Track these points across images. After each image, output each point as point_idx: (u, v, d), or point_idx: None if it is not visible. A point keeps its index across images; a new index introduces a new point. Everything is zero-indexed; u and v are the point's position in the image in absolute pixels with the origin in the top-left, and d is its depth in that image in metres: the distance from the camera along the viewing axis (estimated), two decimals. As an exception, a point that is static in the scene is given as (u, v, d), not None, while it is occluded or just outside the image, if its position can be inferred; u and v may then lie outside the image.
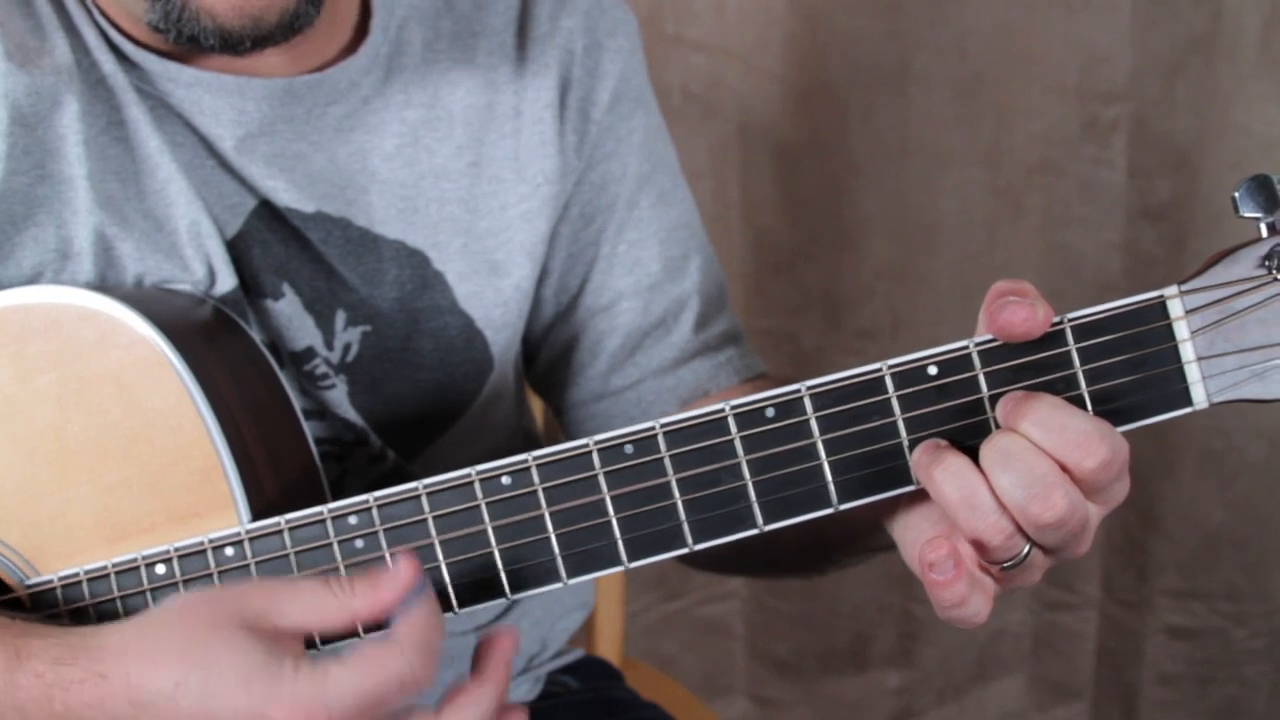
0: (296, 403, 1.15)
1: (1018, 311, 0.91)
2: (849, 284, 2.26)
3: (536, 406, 1.57)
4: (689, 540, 0.98)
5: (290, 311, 1.21)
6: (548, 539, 0.99)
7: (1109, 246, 2.23)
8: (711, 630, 2.41)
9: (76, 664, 0.93)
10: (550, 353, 1.38)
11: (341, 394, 1.24)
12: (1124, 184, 2.20)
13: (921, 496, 0.97)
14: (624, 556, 0.98)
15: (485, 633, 0.99)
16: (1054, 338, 0.93)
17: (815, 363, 2.27)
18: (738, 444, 0.96)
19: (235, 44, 1.10)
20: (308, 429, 1.15)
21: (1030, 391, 0.92)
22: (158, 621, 0.94)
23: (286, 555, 1.02)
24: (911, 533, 0.98)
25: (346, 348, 1.23)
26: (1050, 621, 2.42)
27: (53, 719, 0.93)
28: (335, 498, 1.18)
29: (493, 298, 1.28)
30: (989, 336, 0.93)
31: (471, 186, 1.27)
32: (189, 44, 1.11)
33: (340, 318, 1.23)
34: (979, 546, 0.91)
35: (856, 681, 2.46)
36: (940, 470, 0.91)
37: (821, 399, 0.95)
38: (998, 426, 0.92)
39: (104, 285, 1.14)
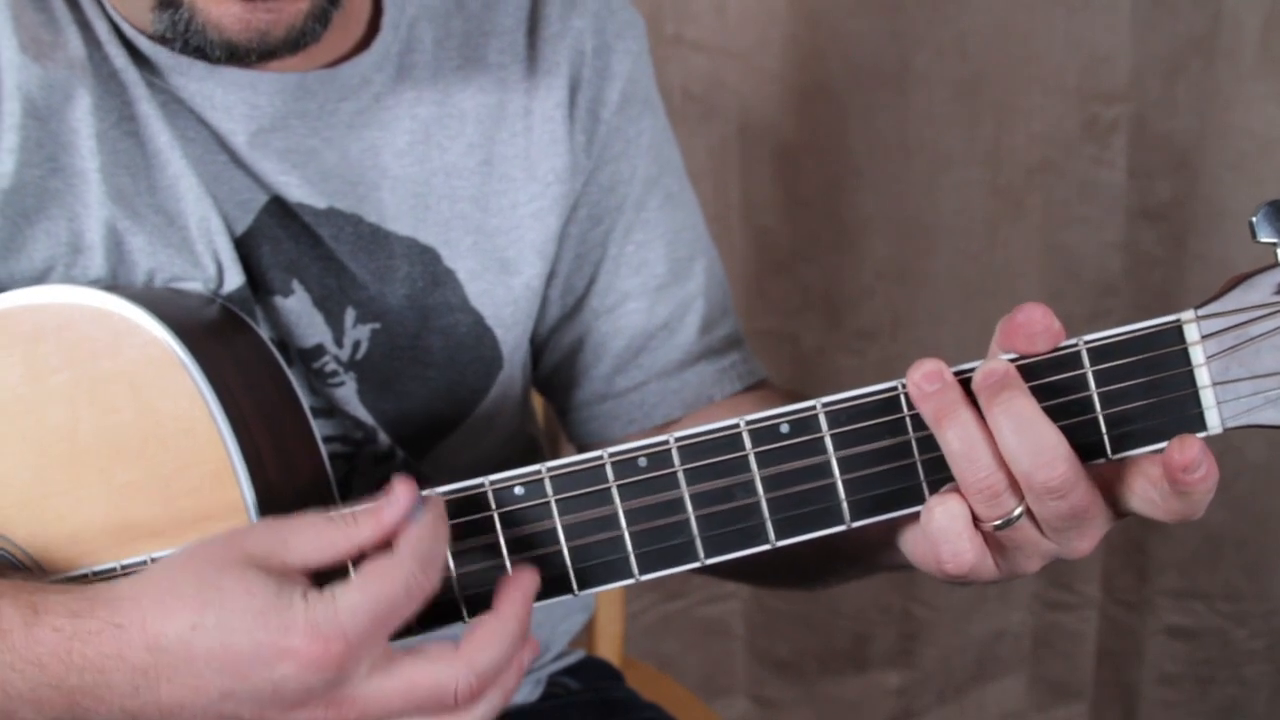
0: (306, 403, 1.15)
1: (1035, 310, 0.92)
2: (849, 284, 2.26)
3: (537, 407, 1.57)
4: (701, 554, 0.98)
5: (300, 308, 1.21)
6: (560, 551, 0.99)
7: (1109, 246, 2.23)
8: (711, 630, 2.42)
9: (94, 616, 0.93)
10: (555, 353, 1.38)
11: (350, 391, 1.24)
12: (1124, 184, 2.20)
13: None
14: (635, 569, 0.99)
15: (507, 573, 1.00)
16: (1069, 360, 0.93)
17: (815, 363, 2.27)
18: (752, 459, 0.96)
19: (241, 57, 1.10)
20: (318, 431, 1.15)
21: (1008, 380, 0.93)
22: (169, 568, 0.95)
23: (297, 560, 1.01)
24: (923, 543, 0.99)
25: (356, 345, 1.23)
26: (1050, 621, 2.43)
27: (72, 671, 0.93)
28: (343, 495, 1.18)
29: (503, 296, 1.28)
30: (1004, 356, 0.94)
31: (483, 184, 1.27)
32: (196, 54, 1.11)
33: (350, 315, 1.23)
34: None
35: (856, 681, 2.46)
36: (949, 422, 0.93)
37: (836, 416, 0.95)
38: None
39: (116, 285, 1.14)
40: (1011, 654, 2.46)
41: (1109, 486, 0.95)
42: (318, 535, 0.95)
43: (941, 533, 0.95)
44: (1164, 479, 0.91)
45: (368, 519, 0.96)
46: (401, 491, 0.95)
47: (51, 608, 0.94)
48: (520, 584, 0.98)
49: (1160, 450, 0.92)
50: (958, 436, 0.93)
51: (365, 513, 0.96)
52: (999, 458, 0.93)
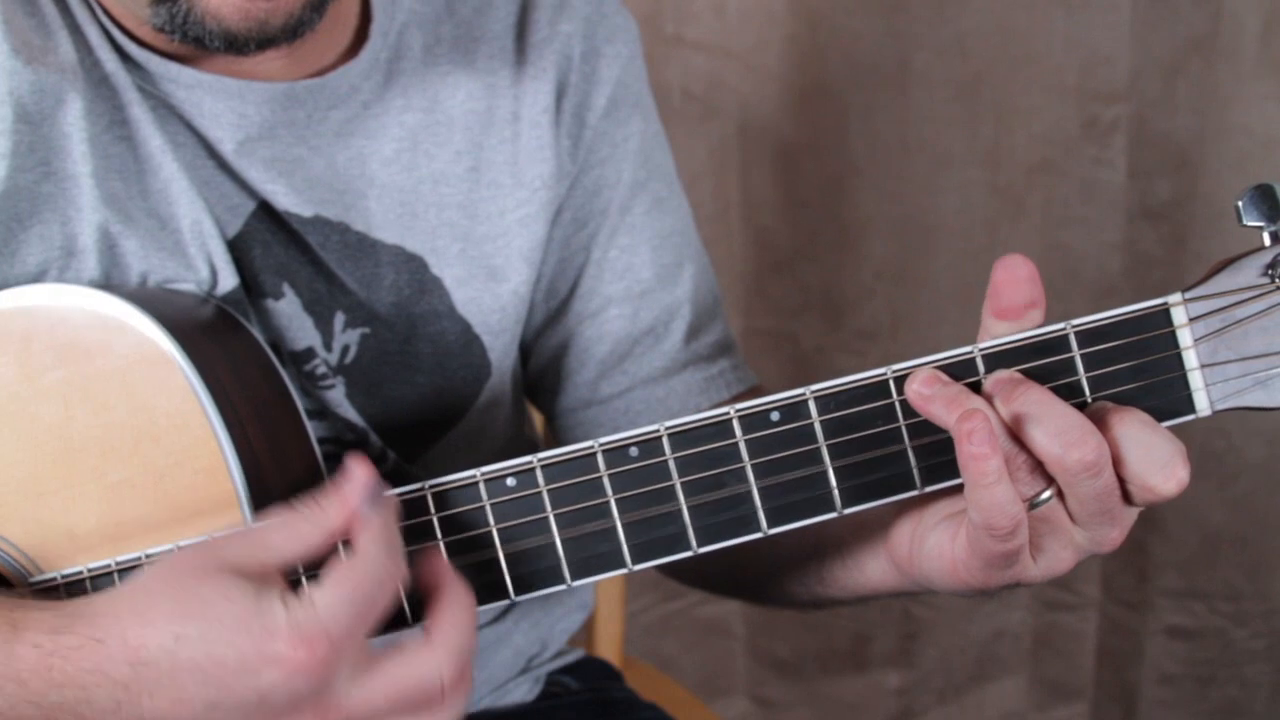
0: (299, 402, 1.15)
1: (1013, 261, 0.93)
2: (849, 284, 2.26)
3: (535, 413, 1.57)
4: (693, 543, 0.98)
5: (290, 311, 1.21)
6: (552, 541, 0.99)
7: (1109, 246, 2.23)
8: (711, 630, 2.42)
9: (73, 631, 0.92)
10: (540, 358, 1.38)
11: (340, 395, 1.24)
12: (1124, 184, 2.20)
13: (931, 507, 0.99)
14: (628, 559, 0.99)
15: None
16: (1058, 343, 0.93)
17: (815, 363, 2.27)
18: (742, 447, 0.96)
19: (240, 46, 1.10)
20: (311, 428, 1.15)
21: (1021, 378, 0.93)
22: (146, 581, 0.94)
23: (291, 554, 1.01)
24: (933, 542, 1.00)
25: (345, 349, 1.23)
26: (1050, 621, 2.43)
27: (52, 688, 0.92)
28: (338, 494, 1.18)
29: (490, 303, 1.28)
30: (992, 341, 0.94)
31: (470, 191, 1.27)
32: (194, 45, 1.11)
33: (339, 320, 1.23)
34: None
35: (856, 681, 2.46)
36: (961, 410, 0.92)
37: (826, 403, 0.95)
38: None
39: (109, 284, 1.14)
40: (1011, 654, 2.46)
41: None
42: (291, 530, 0.96)
43: (991, 501, 0.92)
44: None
45: (333, 503, 0.96)
46: (358, 469, 0.96)
47: (31, 624, 0.94)
48: (439, 561, 0.99)
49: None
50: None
51: (329, 498, 0.96)
52: (1017, 440, 0.93)
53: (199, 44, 1.10)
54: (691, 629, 2.41)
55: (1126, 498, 0.95)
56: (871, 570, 1.09)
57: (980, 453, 0.90)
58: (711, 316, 1.37)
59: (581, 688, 1.50)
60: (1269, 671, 2.36)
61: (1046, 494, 0.94)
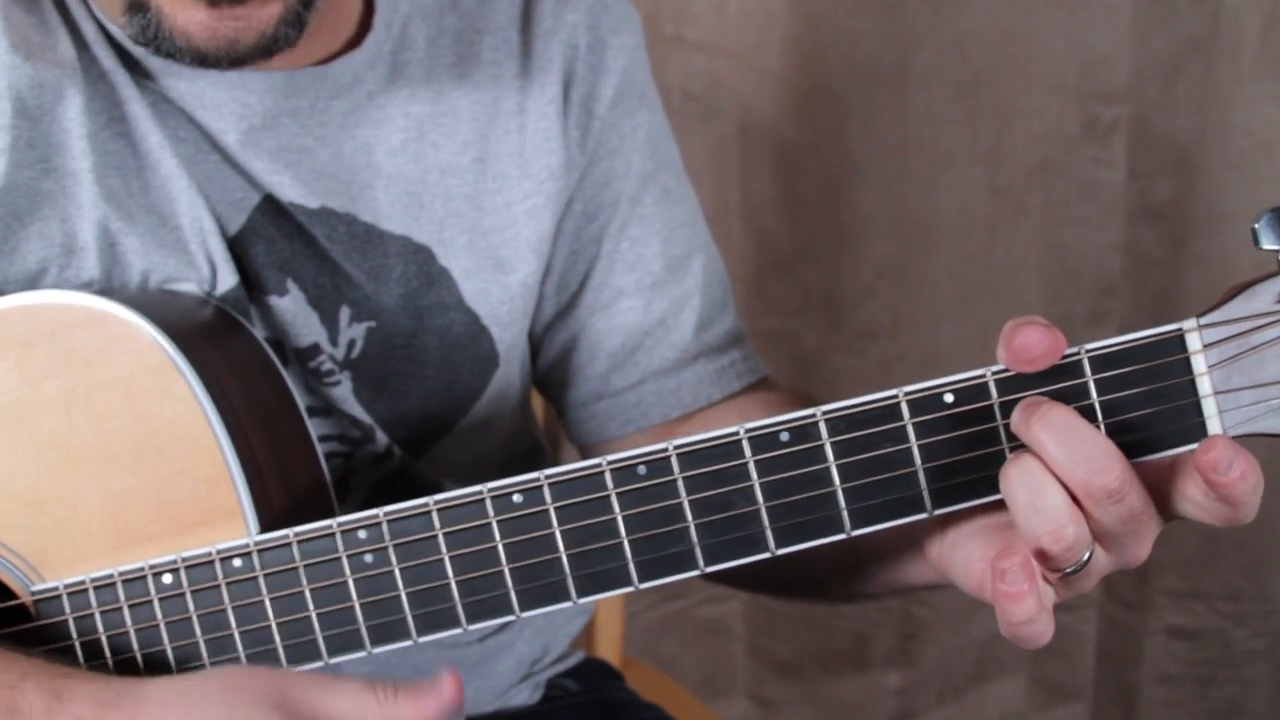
0: (302, 405, 1.15)
1: (1032, 333, 0.90)
2: (849, 284, 2.26)
3: (537, 408, 1.57)
4: (700, 563, 0.97)
5: (295, 308, 1.21)
6: (558, 558, 0.98)
7: (1109, 246, 2.23)
8: (711, 630, 2.41)
9: (120, 708, 0.94)
10: (551, 351, 1.37)
11: (347, 390, 1.24)
12: (1124, 184, 2.20)
13: (967, 518, 0.99)
14: (635, 577, 0.98)
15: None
16: (1071, 368, 0.92)
17: (815, 363, 2.27)
18: (751, 467, 0.96)
19: (211, 64, 1.09)
20: (314, 433, 1.15)
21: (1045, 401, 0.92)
22: (203, 685, 0.95)
23: (295, 568, 1.01)
24: (962, 554, 0.99)
25: (351, 344, 1.23)
26: (1050, 622, 2.42)
27: None
28: (341, 494, 1.18)
29: (498, 294, 1.28)
30: (996, 368, 0.93)
31: (477, 182, 1.26)
32: (166, 59, 1.10)
33: (345, 314, 1.22)
34: (1041, 555, 0.92)
35: (856, 681, 2.46)
36: (1014, 469, 0.91)
37: (836, 424, 0.95)
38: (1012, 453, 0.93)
39: (111, 289, 1.14)
40: (1011, 654, 2.45)
41: (1156, 488, 0.93)
42: (356, 698, 0.95)
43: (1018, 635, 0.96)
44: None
45: (409, 701, 0.95)
46: (449, 687, 0.95)
47: (77, 695, 0.95)
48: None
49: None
50: (1025, 488, 0.91)
51: (407, 694, 0.96)
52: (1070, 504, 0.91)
53: (170, 59, 1.09)
54: (691, 629, 2.40)
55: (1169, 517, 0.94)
56: (910, 571, 1.08)
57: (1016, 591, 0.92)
58: (722, 308, 1.37)
59: (582, 689, 1.50)
60: (1269, 671, 2.36)
61: (1087, 555, 0.92)
